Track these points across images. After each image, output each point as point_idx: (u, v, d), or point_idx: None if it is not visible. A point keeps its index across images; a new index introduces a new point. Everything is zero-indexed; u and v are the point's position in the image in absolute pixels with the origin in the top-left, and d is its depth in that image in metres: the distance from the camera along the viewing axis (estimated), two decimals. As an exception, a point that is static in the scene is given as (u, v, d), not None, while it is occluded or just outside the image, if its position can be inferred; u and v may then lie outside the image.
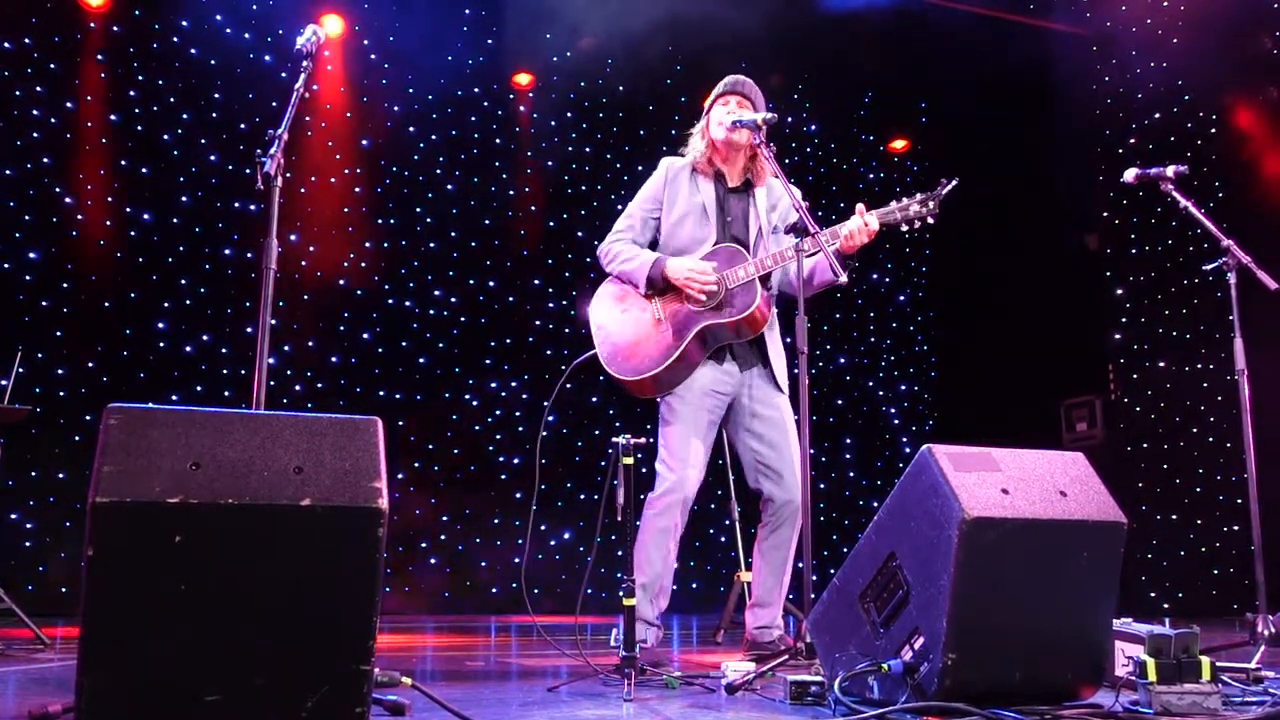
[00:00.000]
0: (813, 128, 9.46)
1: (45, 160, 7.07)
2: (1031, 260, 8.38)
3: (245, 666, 1.81)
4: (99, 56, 7.31)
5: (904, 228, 3.59)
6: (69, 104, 7.19)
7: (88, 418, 6.78)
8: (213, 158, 7.52)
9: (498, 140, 8.47)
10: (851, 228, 3.47)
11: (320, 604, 1.85)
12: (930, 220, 3.58)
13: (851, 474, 9.24)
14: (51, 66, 7.16)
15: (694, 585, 7.86)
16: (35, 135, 7.05)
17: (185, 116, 7.48)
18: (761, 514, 3.66)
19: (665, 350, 3.49)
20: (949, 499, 2.27)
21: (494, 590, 7.85)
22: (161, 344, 7.25)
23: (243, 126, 7.57)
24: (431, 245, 8.17)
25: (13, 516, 6.66)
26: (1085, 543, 2.36)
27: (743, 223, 3.69)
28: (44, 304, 6.95)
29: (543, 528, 7.92)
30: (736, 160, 3.73)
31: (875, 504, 8.51)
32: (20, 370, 4.65)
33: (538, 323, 8.30)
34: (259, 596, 1.83)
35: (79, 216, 7.12)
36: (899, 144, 9.72)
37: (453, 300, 8.17)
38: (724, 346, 3.60)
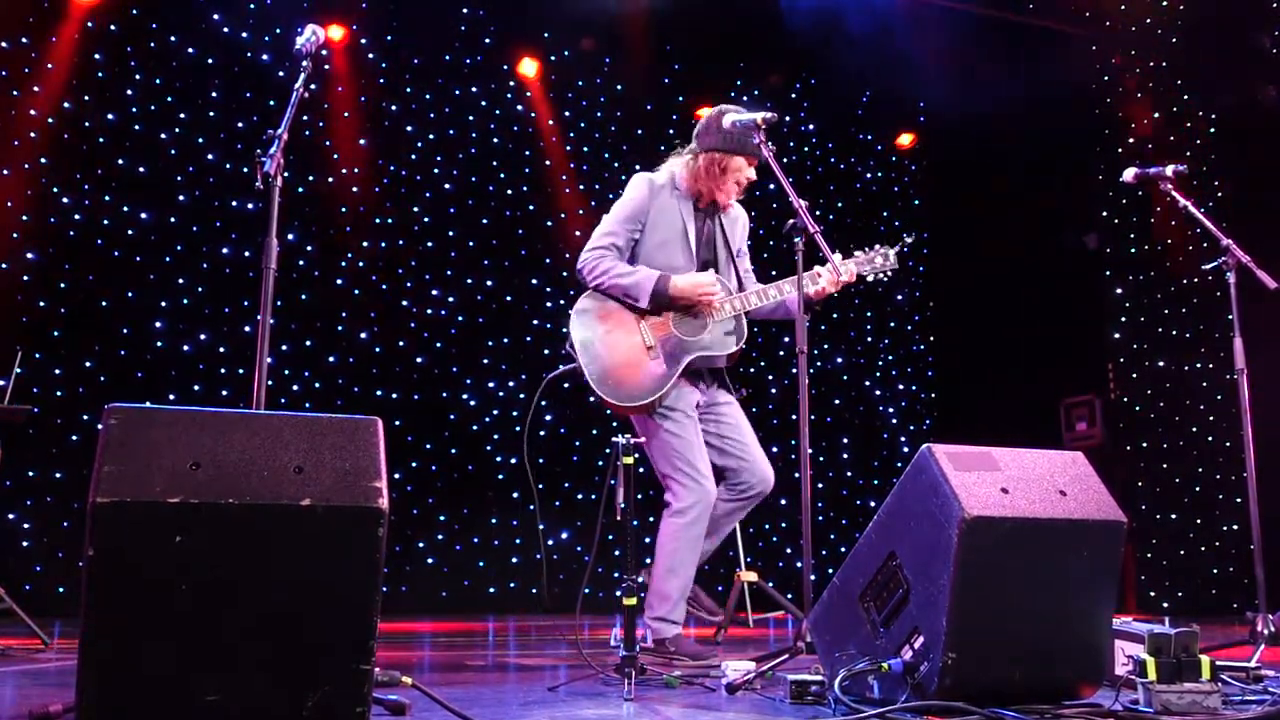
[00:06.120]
0: (811, 127, 9.46)
1: (43, 160, 7.06)
2: (1030, 259, 8.38)
3: (245, 666, 1.81)
4: (96, 55, 7.30)
5: (870, 278, 3.70)
6: (66, 104, 7.17)
7: (86, 418, 6.75)
8: (210, 157, 7.51)
9: (495, 140, 8.46)
10: (829, 277, 3.54)
11: (320, 603, 1.85)
12: (887, 275, 3.72)
13: (850, 474, 9.23)
14: (48, 66, 7.14)
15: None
16: (32, 135, 7.03)
17: (183, 115, 7.47)
18: (729, 488, 3.66)
19: (659, 380, 3.53)
20: (949, 498, 2.27)
21: (492, 590, 7.84)
22: (159, 344, 7.24)
23: (240, 125, 7.57)
24: (429, 245, 8.17)
25: (10, 516, 6.65)
26: (1085, 542, 2.36)
27: (711, 246, 3.75)
28: (42, 304, 6.94)
29: (541, 527, 7.91)
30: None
31: (874, 503, 8.54)
32: (19, 370, 4.64)
33: (535, 322, 8.30)
34: (259, 596, 1.82)
35: (76, 216, 7.10)
36: (899, 143, 9.71)
37: (450, 300, 8.16)
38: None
